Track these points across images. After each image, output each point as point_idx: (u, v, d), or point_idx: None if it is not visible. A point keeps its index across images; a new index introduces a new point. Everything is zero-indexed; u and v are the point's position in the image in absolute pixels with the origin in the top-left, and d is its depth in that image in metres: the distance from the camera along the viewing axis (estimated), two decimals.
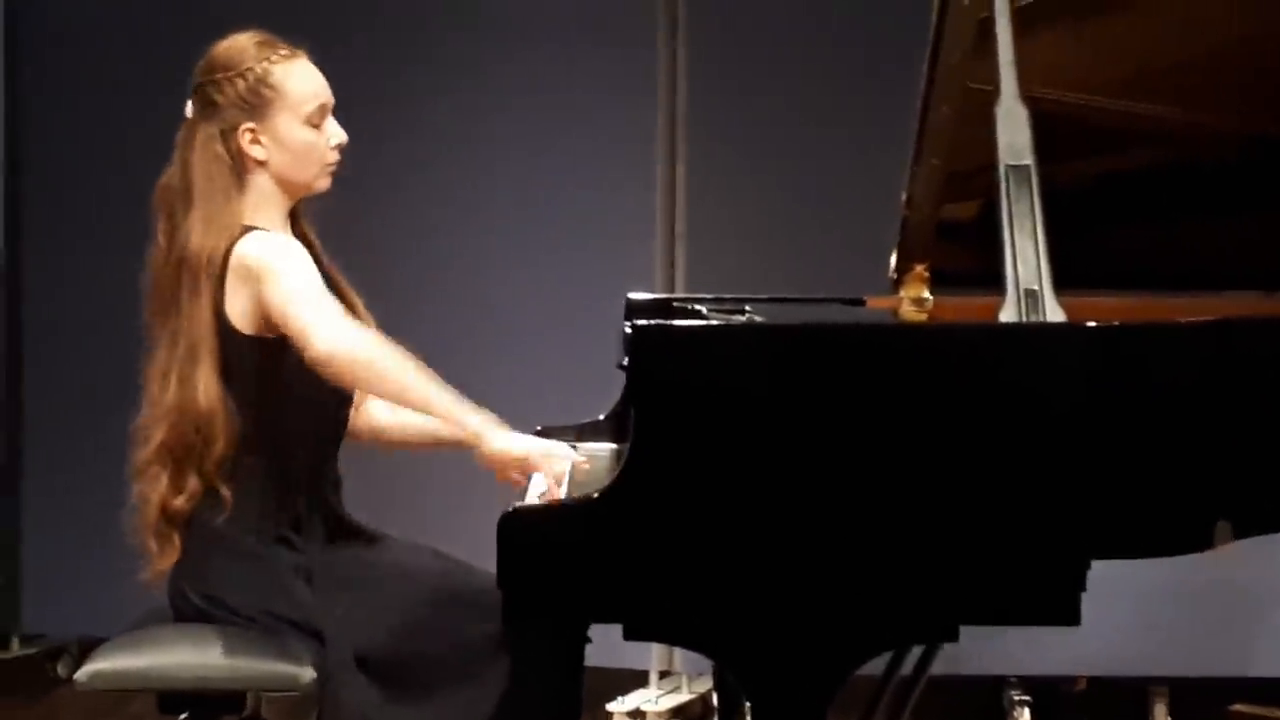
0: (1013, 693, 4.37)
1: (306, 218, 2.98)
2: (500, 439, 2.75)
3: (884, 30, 4.26)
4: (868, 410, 2.46)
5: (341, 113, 2.94)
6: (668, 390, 2.47)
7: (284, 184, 2.90)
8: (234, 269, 2.80)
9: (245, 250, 2.80)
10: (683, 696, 4.72)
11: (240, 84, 2.86)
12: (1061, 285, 2.62)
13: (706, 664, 4.32)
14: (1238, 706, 4.42)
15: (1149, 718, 4.46)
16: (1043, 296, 2.60)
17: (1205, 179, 3.33)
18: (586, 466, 2.84)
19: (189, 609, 2.86)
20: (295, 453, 2.89)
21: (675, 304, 3.41)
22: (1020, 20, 2.74)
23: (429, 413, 2.79)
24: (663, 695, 4.70)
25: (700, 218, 4.78)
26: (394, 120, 4.81)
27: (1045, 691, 4.46)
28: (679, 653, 4.73)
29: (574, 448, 2.90)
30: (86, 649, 2.99)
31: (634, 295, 3.41)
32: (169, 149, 2.92)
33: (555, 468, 2.78)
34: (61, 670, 4.93)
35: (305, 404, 2.87)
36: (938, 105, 3.01)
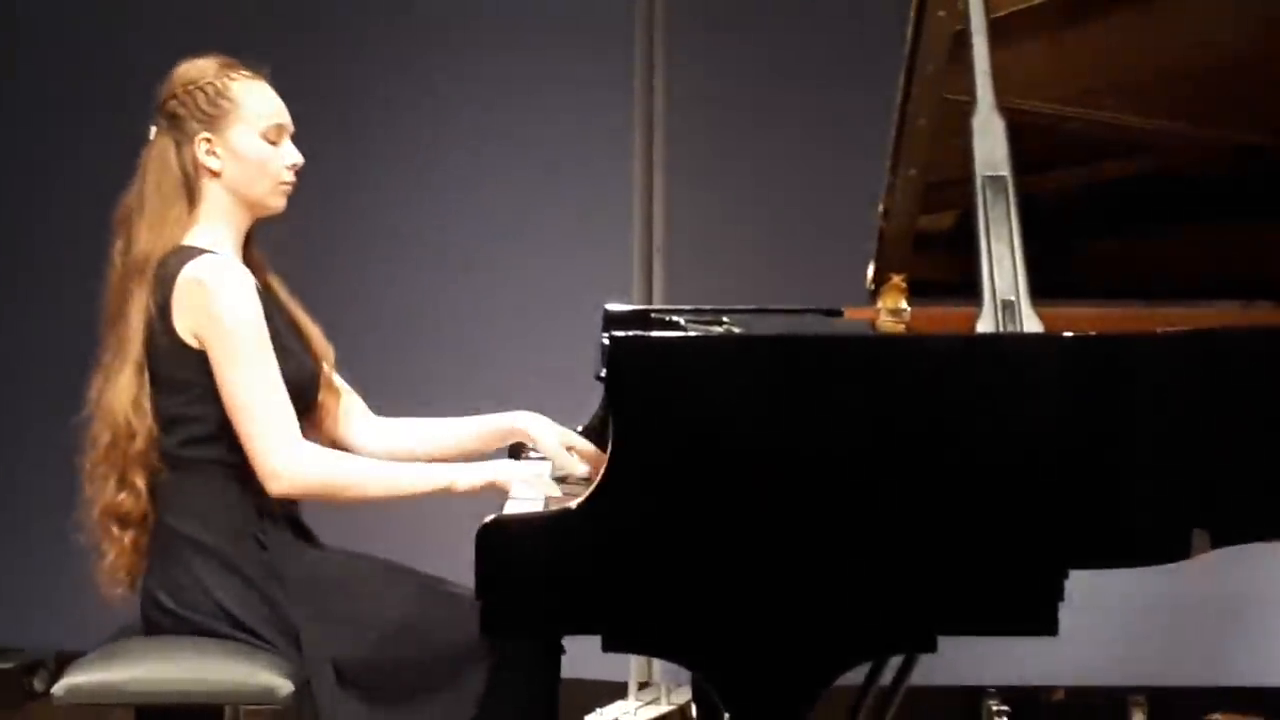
0: (991, 703, 4.38)
1: (260, 247, 3.02)
2: (464, 477, 2.85)
3: (862, 41, 4.26)
4: (846, 421, 2.46)
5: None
6: (646, 401, 2.47)
7: (238, 197, 2.94)
8: (183, 287, 2.83)
9: (198, 276, 2.82)
10: (662, 708, 4.70)
11: (200, 96, 2.92)
12: (1038, 296, 2.63)
13: (685, 675, 4.32)
14: (1215, 715, 4.43)
15: None
16: (1019, 307, 2.61)
17: (1181, 189, 3.34)
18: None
19: (163, 618, 2.86)
20: None
21: (653, 315, 3.42)
22: (996, 32, 2.75)
23: (397, 495, 2.87)
24: (641, 707, 4.69)
25: (678, 229, 4.78)
26: (371, 131, 4.81)
27: (1024, 701, 4.47)
28: (658, 664, 4.73)
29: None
30: (64, 663, 2.98)
31: (612, 306, 3.43)
32: (132, 169, 2.97)
33: (526, 472, 2.87)
34: (38, 684, 4.91)
35: None
36: (914, 116, 3.03)
